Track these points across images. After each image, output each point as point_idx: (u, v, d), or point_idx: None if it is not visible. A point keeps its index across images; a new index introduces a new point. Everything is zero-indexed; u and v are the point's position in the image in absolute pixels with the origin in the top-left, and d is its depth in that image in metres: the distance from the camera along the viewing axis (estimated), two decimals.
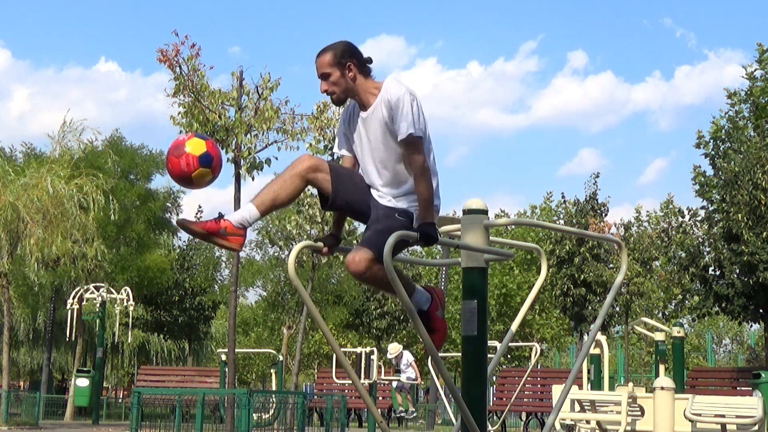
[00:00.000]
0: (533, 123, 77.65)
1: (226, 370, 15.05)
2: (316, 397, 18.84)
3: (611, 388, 14.20)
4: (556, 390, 14.24)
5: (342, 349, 11.44)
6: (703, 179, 21.60)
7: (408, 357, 19.45)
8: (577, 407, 11.39)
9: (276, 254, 25.20)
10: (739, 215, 17.75)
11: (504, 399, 18.00)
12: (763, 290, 17.86)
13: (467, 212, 4.34)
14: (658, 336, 14.47)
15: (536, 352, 15.48)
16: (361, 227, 14.67)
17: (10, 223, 18.80)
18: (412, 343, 31.90)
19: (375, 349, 14.63)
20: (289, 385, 23.47)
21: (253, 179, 13.83)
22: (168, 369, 27.18)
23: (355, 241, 14.40)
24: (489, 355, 5.59)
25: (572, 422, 12.26)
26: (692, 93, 79.59)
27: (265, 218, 20.78)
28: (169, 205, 27.72)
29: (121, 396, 43.98)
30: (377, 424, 4.70)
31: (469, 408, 4.12)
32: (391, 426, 19.16)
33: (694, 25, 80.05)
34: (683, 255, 20.91)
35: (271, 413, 15.62)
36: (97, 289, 21.84)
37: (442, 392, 17.88)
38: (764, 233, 17.57)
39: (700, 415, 10.14)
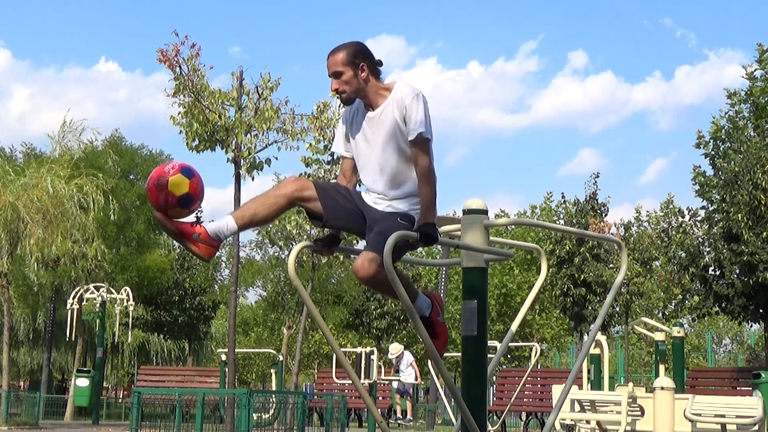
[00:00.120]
0: (533, 123, 77.71)
1: (226, 370, 15.05)
2: (316, 397, 18.84)
3: (611, 388, 14.20)
4: (556, 390, 14.24)
5: (342, 349, 11.44)
6: (703, 179, 21.61)
7: (408, 357, 19.46)
8: (577, 407, 11.39)
9: (276, 254, 25.19)
10: (739, 215, 17.76)
11: (504, 399, 18.00)
12: (763, 290, 17.86)
13: (467, 212, 4.34)
14: (658, 336, 14.47)
15: (536, 352, 15.49)
16: None
17: (10, 223, 18.80)
18: (412, 343, 31.91)
19: (375, 349, 14.63)
20: (289, 385, 23.47)
21: (253, 179, 13.84)
22: (168, 369, 27.18)
23: (354, 241, 14.39)
24: (489, 355, 5.59)
25: (572, 422, 12.26)
26: (692, 93, 79.65)
27: None
28: None
29: (121, 396, 43.99)
30: (377, 424, 4.70)
31: (469, 408, 4.12)
32: (391, 426, 19.16)
33: (694, 25, 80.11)
34: (683, 255, 20.92)
35: (271, 413, 15.63)
36: (97, 289, 21.84)
37: (442, 392, 17.87)
38: (764, 233, 17.57)
39: (700, 415, 10.15)
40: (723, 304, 18.80)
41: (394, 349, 19.09)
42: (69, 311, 21.94)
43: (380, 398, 18.87)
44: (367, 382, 13.85)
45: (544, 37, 78.36)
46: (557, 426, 12.26)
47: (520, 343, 26.11)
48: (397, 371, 19.18)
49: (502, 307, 35.91)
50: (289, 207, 4.17)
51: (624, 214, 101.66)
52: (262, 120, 13.65)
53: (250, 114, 13.70)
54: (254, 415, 12.72)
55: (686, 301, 25.31)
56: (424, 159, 4.12)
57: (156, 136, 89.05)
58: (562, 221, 31.19)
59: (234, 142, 13.59)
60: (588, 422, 11.65)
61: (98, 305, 21.98)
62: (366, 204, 4.28)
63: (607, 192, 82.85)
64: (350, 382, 17.15)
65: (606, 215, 26.10)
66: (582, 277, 24.27)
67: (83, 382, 21.31)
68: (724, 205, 18.70)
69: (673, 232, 30.38)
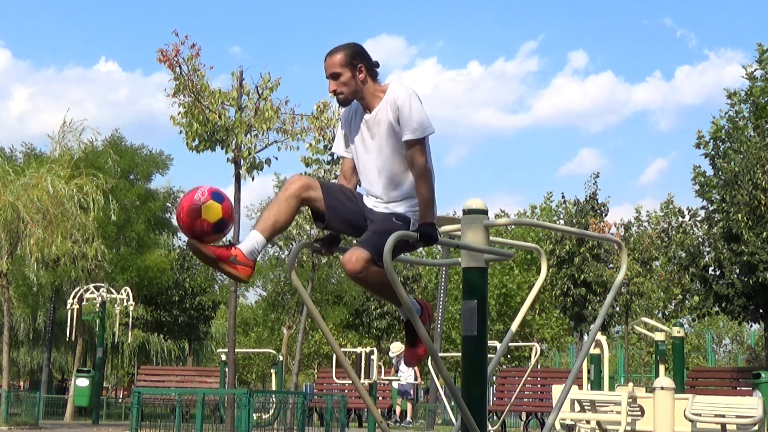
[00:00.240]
0: (533, 123, 77.72)
1: (226, 370, 15.04)
2: (316, 397, 18.82)
3: (611, 388, 14.19)
4: (556, 390, 14.23)
5: (342, 349, 11.43)
6: (703, 179, 21.61)
7: None
8: (577, 407, 11.39)
9: (276, 254, 25.20)
10: (739, 215, 17.76)
11: (504, 399, 17.99)
12: (763, 290, 17.86)
13: (467, 212, 4.34)
14: (658, 336, 14.47)
15: (536, 352, 15.48)
16: None
17: (10, 223, 18.78)
18: None
19: (375, 349, 14.62)
20: (289, 385, 23.47)
21: (253, 179, 13.84)
22: (168, 369, 27.17)
23: (354, 241, 14.39)
24: (489, 355, 5.59)
25: (572, 422, 12.26)
26: (692, 93, 79.67)
27: None
28: (169, 205, 27.72)
29: (121, 396, 43.98)
30: (377, 424, 4.70)
31: (469, 408, 4.12)
32: (391, 426, 19.16)
33: (694, 25, 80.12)
34: (683, 255, 20.93)
35: (271, 413, 15.62)
36: (97, 289, 21.84)
37: (442, 392, 17.86)
38: (764, 233, 17.57)
39: (700, 415, 10.15)
40: (723, 304, 18.80)
41: (395, 348, 19.10)
42: (69, 311, 21.93)
43: (380, 398, 18.86)
44: (367, 382, 13.84)
45: (545, 37, 78.43)
46: (557, 426, 12.26)
47: (520, 343, 26.11)
48: (397, 371, 19.19)
49: (502, 307, 35.91)
50: (301, 205, 4.16)
51: (624, 214, 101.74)
52: (262, 120, 13.64)
53: (250, 114, 13.70)
54: (254, 415, 12.72)
55: (686, 301, 25.32)
56: (420, 159, 4.12)
57: (156, 136, 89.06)
58: (562, 221, 31.19)
59: (234, 142, 13.59)
60: (588, 422, 11.65)
61: (98, 305, 21.97)
62: (367, 207, 4.29)
63: (607, 192, 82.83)
64: (350, 382, 17.15)
65: (606, 215, 26.10)
66: (582, 277, 24.27)
67: (83, 382, 21.30)
68: (724, 205, 18.70)
69: (673, 232, 30.39)
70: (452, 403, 15.76)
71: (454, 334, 34.12)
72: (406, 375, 19.15)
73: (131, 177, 26.19)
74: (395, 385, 19.01)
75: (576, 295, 24.32)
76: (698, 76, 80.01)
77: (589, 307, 24.27)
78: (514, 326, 5.02)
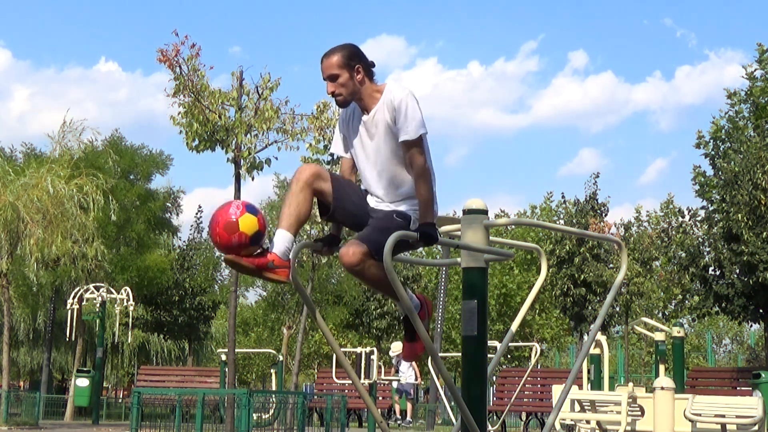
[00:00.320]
0: (533, 123, 77.68)
1: (226, 370, 15.05)
2: (316, 397, 18.83)
3: (611, 388, 14.20)
4: (556, 390, 14.24)
5: (342, 349, 11.42)
6: (703, 179, 21.60)
7: None
8: (577, 407, 11.39)
9: None
10: (739, 215, 17.76)
11: (504, 399, 17.99)
12: (763, 290, 17.86)
13: (467, 212, 4.34)
14: (658, 336, 14.47)
15: (536, 352, 15.49)
16: None
17: (10, 223, 18.78)
18: None
19: (375, 349, 14.62)
20: (289, 385, 23.47)
21: (253, 179, 13.84)
22: (168, 369, 27.18)
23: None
24: (489, 355, 5.58)
25: (572, 422, 12.26)
26: (693, 93, 79.66)
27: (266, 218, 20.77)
28: (169, 205, 27.73)
29: (121, 396, 43.99)
30: (377, 424, 4.69)
31: (469, 408, 4.12)
32: (391, 426, 19.16)
33: (694, 25, 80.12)
34: (683, 255, 20.92)
35: (271, 413, 15.63)
36: (97, 289, 21.84)
37: (442, 392, 17.87)
38: (764, 233, 17.57)
39: (700, 415, 10.15)
40: (723, 304, 18.80)
41: (396, 347, 19.09)
42: (69, 311, 21.93)
43: (380, 398, 18.87)
44: (367, 382, 13.84)
45: (545, 37, 78.41)
46: (557, 426, 12.26)
47: (520, 343, 26.11)
48: (398, 371, 19.19)
49: (502, 307, 35.91)
50: (314, 193, 4.15)
51: (624, 214, 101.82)
52: (262, 120, 13.64)
53: (250, 114, 13.70)
54: (254, 415, 12.72)
55: (686, 301, 25.31)
56: (419, 159, 4.12)
57: (156, 136, 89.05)
58: (562, 221, 31.19)
59: (234, 142, 13.59)
60: (588, 422, 11.66)
61: (98, 305, 21.98)
62: (369, 205, 4.30)
63: (607, 192, 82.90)
64: (350, 382, 17.15)
65: (606, 215, 26.11)
66: (582, 277, 24.28)
67: (83, 382, 21.31)
68: (724, 205, 18.70)
69: (673, 232, 30.38)
70: (452, 403, 15.77)
71: (454, 334, 34.12)
72: (407, 375, 19.15)
73: (131, 177, 26.19)
74: (395, 384, 19.01)
75: (576, 295, 24.32)
76: (698, 76, 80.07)
77: (589, 307, 24.27)
78: (514, 326, 5.02)
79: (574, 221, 25.79)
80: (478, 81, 79.15)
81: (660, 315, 31.61)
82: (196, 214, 31.37)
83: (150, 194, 26.51)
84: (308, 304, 4.49)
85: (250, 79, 14.02)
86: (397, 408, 19.10)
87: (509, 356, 35.20)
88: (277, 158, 15.15)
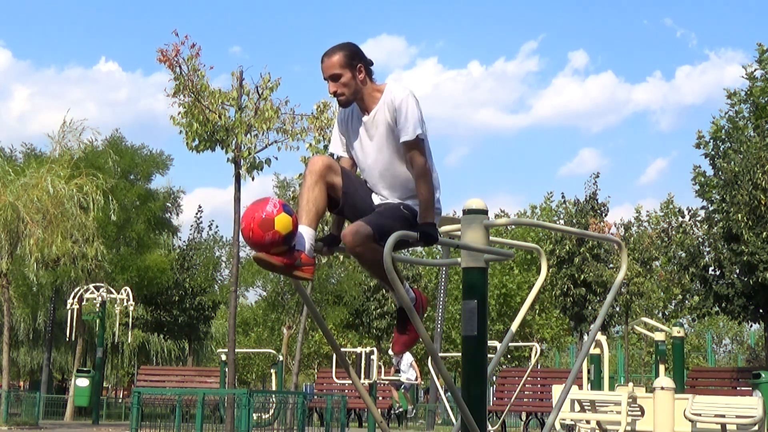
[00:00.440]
0: (534, 123, 77.70)
1: (226, 370, 15.05)
2: (316, 397, 18.84)
3: (611, 388, 14.20)
4: (556, 390, 14.23)
5: (342, 349, 11.41)
6: (703, 179, 21.60)
7: (409, 357, 19.48)
8: (577, 407, 11.39)
9: None
10: (739, 215, 17.76)
11: (504, 399, 17.99)
12: (763, 290, 17.85)
13: (467, 212, 4.34)
14: (658, 336, 14.47)
15: (536, 352, 15.50)
16: None
17: (10, 223, 18.78)
18: None
19: (375, 349, 14.62)
20: (289, 385, 23.47)
21: (253, 179, 13.84)
22: (168, 369, 27.18)
23: None
24: (489, 355, 5.58)
25: (572, 422, 12.26)
26: (693, 93, 79.67)
27: None
28: (169, 205, 27.72)
29: (121, 396, 43.98)
30: (377, 424, 4.69)
31: (469, 408, 4.12)
32: (391, 426, 19.16)
33: (694, 25, 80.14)
34: (683, 255, 20.91)
35: (271, 413, 15.62)
36: (97, 289, 21.84)
37: (442, 392, 17.87)
38: (764, 233, 17.57)
39: (700, 415, 10.15)
40: (723, 304, 18.80)
41: None
42: (69, 311, 21.93)
43: (380, 398, 18.87)
44: (367, 382, 13.85)
45: (545, 37, 78.44)
46: (557, 426, 12.26)
47: (520, 343, 26.11)
48: (398, 371, 19.20)
49: (502, 307, 35.91)
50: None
51: (624, 214, 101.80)
52: (262, 120, 13.64)
53: (250, 114, 13.70)
54: (254, 415, 12.72)
55: (686, 301, 25.30)
56: (419, 159, 4.11)
57: (156, 136, 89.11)
58: (562, 221, 31.19)
59: (234, 142, 13.59)
60: (588, 422, 11.65)
61: (98, 305, 21.97)
62: (374, 203, 4.30)
63: (607, 192, 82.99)
64: (350, 382, 17.15)
65: (606, 215, 26.13)
66: (582, 277, 24.28)
67: (83, 382, 21.30)
68: (724, 205, 18.70)
69: (673, 232, 30.40)
70: (452, 403, 15.77)
71: (454, 334, 34.12)
72: (408, 375, 19.17)
73: (131, 177, 26.18)
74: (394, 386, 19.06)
75: (576, 295, 24.32)
76: (698, 76, 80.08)
77: (589, 307, 24.27)
78: (514, 326, 5.02)
79: (574, 221, 25.80)
80: (479, 81, 79.22)
81: (660, 315, 31.62)
82: (196, 214, 31.40)
83: (150, 194, 26.51)
84: (309, 305, 4.49)
85: (250, 79, 14.04)
86: (396, 404, 19.11)
87: (509, 356, 35.20)
88: (277, 158, 15.18)
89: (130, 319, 22.97)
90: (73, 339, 22.58)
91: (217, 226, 32.91)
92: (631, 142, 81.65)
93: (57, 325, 26.95)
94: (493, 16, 76.82)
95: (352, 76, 4.16)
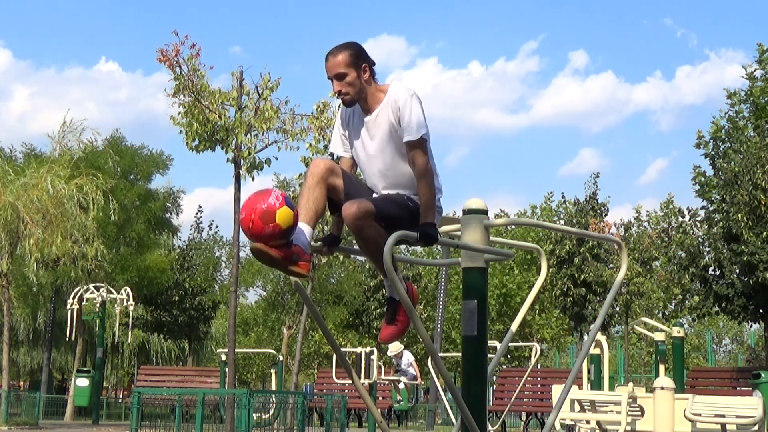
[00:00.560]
0: (534, 123, 77.73)
1: (226, 370, 15.05)
2: (316, 397, 18.83)
3: (611, 388, 14.19)
4: (556, 390, 14.23)
5: (342, 349, 11.41)
6: (703, 179, 21.59)
7: (408, 357, 19.49)
8: (577, 407, 11.39)
9: None
10: (739, 215, 17.75)
11: (504, 399, 17.99)
12: (763, 290, 17.85)
13: (467, 212, 4.34)
14: (658, 336, 14.47)
15: (536, 352, 15.49)
16: None
17: (10, 223, 18.78)
18: (412, 343, 31.92)
19: (375, 349, 14.62)
20: (289, 385, 23.46)
21: (253, 179, 13.85)
22: (168, 369, 27.16)
23: (354, 241, 14.39)
24: (489, 355, 5.58)
25: (572, 422, 12.26)
26: (693, 93, 79.70)
27: None
28: (169, 205, 27.72)
29: (121, 396, 43.98)
30: (377, 424, 4.69)
31: (469, 408, 4.12)
32: (391, 426, 19.16)
33: (695, 25, 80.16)
34: (683, 255, 20.90)
35: (271, 413, 15.62)
36: (97, 289, 21.84)
37: (442, 392, 17.87)
38: (764, 233, 17.57)
39: (700, 415, 10.15)
40: (723, 304, 18.79)
41: (394, 347, 19.11)
42: (69, 311, 21.92)
43: (380, 398, 18.87)
44: (367, 382, 13.84)
45: (545, 37, 78.47)
46: (557, 426, 12.26)
47: (520, 343, 26.10)
48: (398, 371, 19.21)
49: (502, 307, 35.91)
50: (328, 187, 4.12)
51: (624, 214, 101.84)
52: (262, 120, 13.65)
53: (250, 114, 13.70)
54: (254, 415, 12.72)
55: (686, 301, 25.29)
56: (422, 159, 4.11)
57: (156, 136, 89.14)
58: (562, 221, 31.20)
59: (234, 142, 13.60)
60: (588, 422, 11.65)
61: (98, 305, 21.97)
62: None
63: (607, 192, 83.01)
64: (350, 382, 17.15)
65: (606, 215, 26.13)
66: (582, 277, 24.28)
67: (83, 382, 21.30)
68: (724, 205, 18.70)
69: (673, 232, 30.40)
70: (452, 403, 15.77)
71: (454, 334, 34.12)
72: (409, 375, 19.19)
73: (131, 177, 26.19)
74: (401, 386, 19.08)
75: (576, 295, 24.32)
76: (699, 76, 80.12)
77: (589, 307, 24.27)
78: (514, 326, 5.02)
79: (574, 221, 25.80)
80: (479, 81, 79.25)
81: (660, 315, 31.62)
82: (196, 214, 31.41)
83: (150, 194, 26.51)
84: (309, 305, 4.49)
85: (250, 79, 14.05)
86: (398, 398, 19.12)
87: (509, 356, 35.19)
88: (277, 158, 15.22)
89: (130, 319, 22.97)
90: (73, 339, 22.58)
91: (217, 226, 32.95)
92: (631, 142, 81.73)
93: (57, 325, 26.94)
94: (493, 16, 76.89)
95: (357, 75, 4.15)
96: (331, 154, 16.82)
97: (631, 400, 10.74)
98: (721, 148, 21.41)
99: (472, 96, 79.01)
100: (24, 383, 44.84)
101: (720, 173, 19.92)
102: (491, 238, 4.40)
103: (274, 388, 19.53)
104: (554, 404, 5.67)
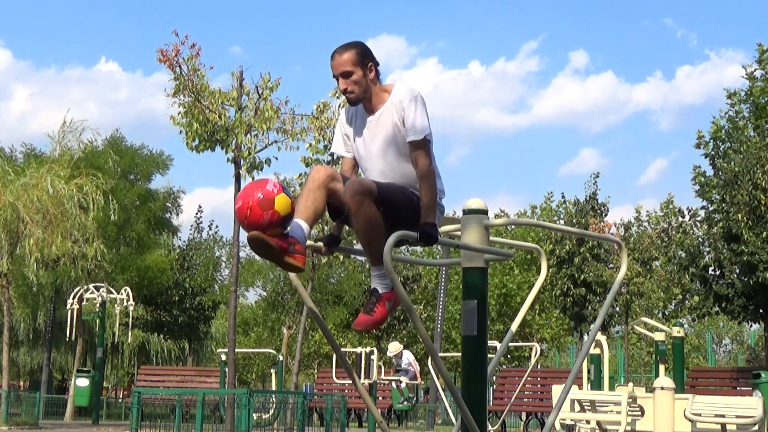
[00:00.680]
0: (534, 123, 77.77)
1: (226, 370, 15.05)
2: (316, 397, 18.83)
3: (611, 388, 14.20)
4: (556, 390, 14.23)
5: (342, 349, 11.40)
6: (703, 179, 21.59)
7: (408, 356, 19.49)
8: (577, 407, 11.39)
9: None
10: (739, 215, 17.75)
11: (504, 399, 17.99)
12: (763, 290, 17.85)
13: (467, 212, 4.34)
14: (658, 336, 14.47)
15: (536, 352, 15.49)
16: None
17: (10, 223, 18.79)
18: (412, 342, 31.94)
19: (375, 349, 14.62)
20: (289, 385, 23.47)
21: (253, 179, 13.83)
22: (168, 369, 27.17)
23: (354, 241, 14.38)
24: (489, 355, 5.58)
25: (572, 422, 12.26)
26: (693, 93, 79.73)
27: None
28: (169, 205, 27.73)
29: (121, 396, 43.98)
30: (377, 424, 4.69)
31: (469, 408, 4.12)
32: (391, 426, 19.16)
33: (695, 25, 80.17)
34: (683, 255, 20.91)
35: (271, 413, 15.62)
36: (97, 289, 21.84)
37: (442, 392, 17.87)
38: (764, 233, 17.57)
39: (700, 415, 10.15)
40: (723, 304, 18.79)
41: (393, 347, 19.11)
42: (69, 311, 21.93)
43: (380, 398, 18.87)
44: (367, 382, 13.84)
45: (545, 37, 78.51)
46: (557, 426, 12.26)
47: (520, 343, 26.11)
48: (398, 371, 19.20)
49: (502, 307, 35.90)
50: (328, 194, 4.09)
51: (624, 214, 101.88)
52: (262, 120, 13.65)
53: (250, 114, 13.70)
54: (254, 415, 12.72)
55: (686, 301, 25.31)
56: (424, 160, 4.11)
57: (156, 136, 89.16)
58: (562, 221, 31.20)
59: (234, 142, 13.60)
60: (588, 422, 11.65)
61: (98, 305, 21.97)
62: None
63: (607, 192, 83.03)
64: (350, 382, 17.15)
65: (606, 215, 26.12)
66: (582, 277, 24.27)
67: (83, 382, 21.30)
68: (724, 205, 18.70)
69: (673, 232, 30.40)
70: (452, 403, 15.77)
71: (454, 334, 34.11)
72: (410, 374, 19.19)
73: (131, 177, 26.20)
74: (394, 386, 19.04)
75: (576, 295, 24.32)
76: (699, 76, 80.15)
77: (589, 307, 24.26)
78: (514, 326, 5.02)
79: (574, 221, 25.80)
80: (479, 81, 79.27)
81: (660, 315, 31.61)
82: (196, 214, 31.42)
83: (150, 194, 26.51)
84: (309, 305, 4.49)
85: (250, 79, 14.06)
86: (401, 398, 19.12)
87: (509, 356, 35.19)
88: (277, 158, 15.21)
89: (130, 319, 22.98)
90: (73, 339, 22.58)
91: (217, 226, 32.99)
92: (631, 142, 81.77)
93: (57, 325, 26.95)
94: (493, 16, 76.91)
95: (363, 74, 4.15)
96: (331, 154, 16.86)
97: (631, 400, 10.74)
98: (721, 148, 21.41)
99: (472, 96, 79.10)
100: (24, 383, 44.84)
101: (720, 173, 19.92)
102: (491, 238, 4.40)
103: (274, 388, 19.54)
104: (554, 404, 5.67)
